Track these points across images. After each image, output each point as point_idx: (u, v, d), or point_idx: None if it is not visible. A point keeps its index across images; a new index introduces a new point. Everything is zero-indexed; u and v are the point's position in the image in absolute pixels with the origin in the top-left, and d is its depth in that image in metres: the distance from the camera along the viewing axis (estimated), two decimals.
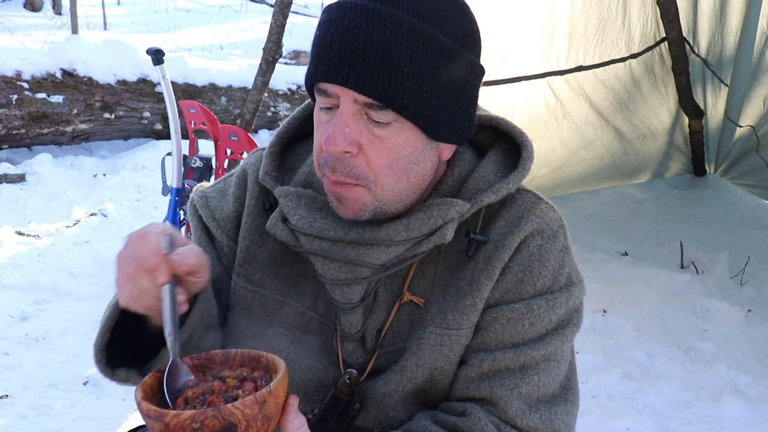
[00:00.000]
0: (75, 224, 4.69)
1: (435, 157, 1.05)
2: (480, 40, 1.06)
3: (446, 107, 1.00)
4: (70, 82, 5.89)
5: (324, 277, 1.07)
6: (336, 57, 0.95)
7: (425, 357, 1.08)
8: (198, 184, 1.28)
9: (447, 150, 1.07)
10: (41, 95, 5.68)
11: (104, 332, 1.02)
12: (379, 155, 0.99)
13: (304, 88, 1.10)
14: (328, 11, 0.99)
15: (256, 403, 0.82)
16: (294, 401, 0.90)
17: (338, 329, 1.12)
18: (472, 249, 1.08)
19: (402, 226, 1.04)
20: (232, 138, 3.66)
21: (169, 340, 0.91)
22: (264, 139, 6.50)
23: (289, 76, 7.22)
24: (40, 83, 5.71)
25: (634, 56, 3.98)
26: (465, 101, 1.03)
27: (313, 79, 1.00)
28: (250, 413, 0.81)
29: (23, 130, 5.66)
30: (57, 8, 14.12)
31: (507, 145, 1.16)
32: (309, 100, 1.14)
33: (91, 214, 4.86)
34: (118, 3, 15.77)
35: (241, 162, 1.27)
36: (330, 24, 0.97)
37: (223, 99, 6.81)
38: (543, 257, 1.08)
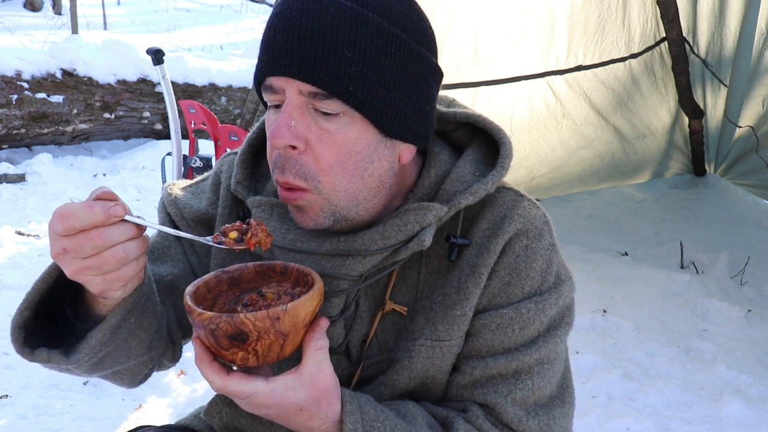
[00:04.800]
0: None
1: (392, 157, 1.00)
2: (434, 39, 1.02)
3: (397, 100, 0.95)
4: (70, 82, 5.89)
5: None
6: (279, 47, 0.92)
7: (417, 370, 1.06)
8: (167, 183, 1.25)
9: (406, 153, 1.02)
10: (41, 95, 5.68)
11: (22, 309, 0.96)
12: (329, 151, 0.95)
13: None
14: (275, 7, 0.97)
15: (268, 318, 0.86)
16: (324, 323, 0.93)
17: None
18: (454, 254, 1.05)
19: (378, 234, 1.01)
20: (232, 138, 3.67)
21: (199, 239, 0.93)
22: None
23: None
24: (40, 83, 5.71)
25: (634, 56, 3.97)
26: (419, 97, 0.98)
27: (259, 76, 0.97)
28: (261, 326, 0.86)
29: (23, 130, 5.66)
30: (57, 8, 14.13)
31: (485, 142, 1.13)
32: None
33: None
34: (118, 3, 15.78)
35: (215, 166, 1.24)
36: (274, 17, 0.95)
37: (223, 99, 6.81)
38: (529, 258, 1.05)
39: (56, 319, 1.01)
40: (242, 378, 0.90)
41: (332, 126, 0.94)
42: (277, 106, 0.97)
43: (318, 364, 0.92)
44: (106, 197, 0.85)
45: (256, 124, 1.19)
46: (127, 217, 0.85)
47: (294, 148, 0.95)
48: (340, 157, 0.95)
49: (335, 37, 0.90)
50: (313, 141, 0.95)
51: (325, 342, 0.93)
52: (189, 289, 0.93)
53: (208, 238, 0.93)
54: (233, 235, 0.93)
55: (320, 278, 0.95)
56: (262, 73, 0.96)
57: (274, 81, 0.94)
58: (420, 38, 0.97)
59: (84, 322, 0.98)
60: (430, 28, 1.01)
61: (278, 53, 0.92)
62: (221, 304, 0.97)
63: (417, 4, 1.00)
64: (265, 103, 1.00)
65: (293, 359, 0.94)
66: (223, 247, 0.92)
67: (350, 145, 0.95)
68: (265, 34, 0.96)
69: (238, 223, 0.94)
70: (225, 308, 0.96)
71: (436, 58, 1.02)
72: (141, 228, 0.87)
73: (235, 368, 0.92)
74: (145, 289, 0.97)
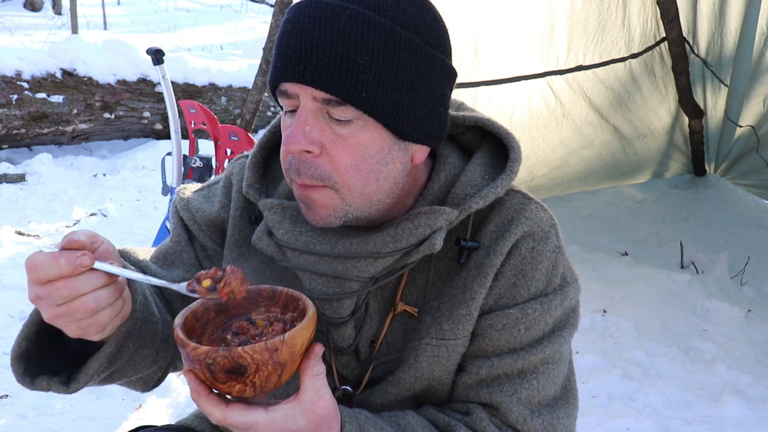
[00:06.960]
0: (75, 224, 4.69)
1: (405, 159, 1.01)
2: (447, 39, 1.02)
3: (410, 103, 0.96)
4: (70, 82, 5.89)
5: (312, 292, 1.05)
6: (293, 54, 0.93)
7: (423, 369, 1.06)
8: (180, 187, 1.26)
9: (419, 153, 1.03)
10: (41, 95, 5.68)
11: (20, 340, 0.97)
12: (343, 154, 0.96)
13: None
14: (287, 12, 0.98)
15: (266, 350, 0.85)
16: (319, 349, 0.92)
17: (330, 343, 1.10)
18: (463, 257, 1.06)
19: (389, 237, 1.02)
20: (232, 138, 3.67)
21: (173, 286, 0.91)
22: None
23: None
24: (40, 83, 5.71)
25: (634, 56, 3.98)
26: (432, 99, 0.99)
27: (274, 81, 0.98)
28: (259, 358, 0.84)
29: (23, 130, 5.66)
30: (57, 8, 14.14)
31: (493, 145, 1.14)
32: None
33: (91, 214, 4.86)
34: (118, 3, 15.79)
35: (226, 169, 1.25)
36: (287, 23, 0.96)
37: (223, 99, 6.81)
38: (535, 260, 1.06)
39: (56, 345, 1.01)
40: (242, 409, 0.88)
41: (346, 131, 0.95)
42: (293, 111, 0.98)
43: (317, 391, 0.91)
44: (72, 246, 0.84)
45: (267, 127, 1.20)
46: (96, 265, 0.84)
47: (309, 152, 0.96)
48: (356, 160, 0.96)
49: (347, 43, 0.91)
50: (328, 145, 0.96)
51: (321, 368, 0.92)
52: (177, 320, 0.91)
53: (183, 284, 0.91)
54: (206, 283, 0.90)
55: (312, 303, 0.93)
56: (276, 79, 0.97)
57: (289, 87, 0.95)
58: (433, 40, 0.98)
59: (83, 348, 0.99)
60: (444, 27, 1.01)
61: (292, 60, 0.93)
62: (210, 332, 0.95)
63: (431, 4, 1.01)
64: (281, 107, 1.01)
65: (288, 384, 0.94)
66: (195, 296, 0.90)
67: (364, 148, 0.96)
68: (278, 40, 0.97)
69: (213, 270, 0.92)
70: (214, 336, 0.94)
71: (449, 58, 1.02)
72: (113, 275, 0.86)
73: (229, 397, 0.90)
74: (138, 315, 0.98)
